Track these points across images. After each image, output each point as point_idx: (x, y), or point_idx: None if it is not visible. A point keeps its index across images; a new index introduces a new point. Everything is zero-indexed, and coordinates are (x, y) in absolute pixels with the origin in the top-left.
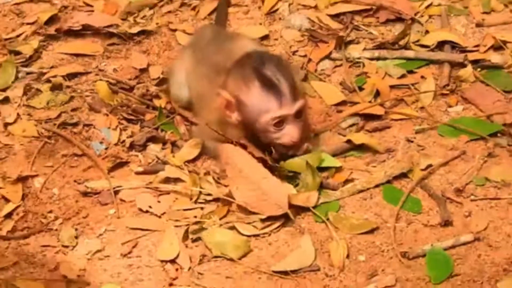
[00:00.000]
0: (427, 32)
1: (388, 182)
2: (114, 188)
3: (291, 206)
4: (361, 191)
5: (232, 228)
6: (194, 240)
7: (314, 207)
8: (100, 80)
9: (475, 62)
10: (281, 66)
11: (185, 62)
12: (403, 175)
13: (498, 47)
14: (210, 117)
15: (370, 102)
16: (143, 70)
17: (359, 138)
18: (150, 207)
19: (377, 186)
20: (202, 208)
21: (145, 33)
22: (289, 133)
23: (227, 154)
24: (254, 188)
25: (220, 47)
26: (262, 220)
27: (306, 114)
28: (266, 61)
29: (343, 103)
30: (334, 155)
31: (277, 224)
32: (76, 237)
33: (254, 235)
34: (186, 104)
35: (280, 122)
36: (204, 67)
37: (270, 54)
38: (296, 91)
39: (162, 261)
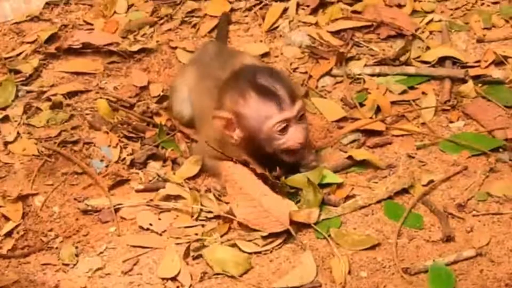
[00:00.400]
0: (428, 48)
1: (390, 198)
2: (114, 206)
3: (292, 222)
4: (363, 207)
5: (233, 245)
6: (195, 258)
7: (315, 224)
8: (101, 98)
9: (476, 78)
10: (274, 74)
11: (187, 78)
12: (405, 191)
13: (499, 62)
14: (211, 134)
15: (371, 118)
16: (144, 88)
17: (360, 154)
18: (150, 224)
19: (378, 202)
20: (203, 226)
21: (145, 51)
22: (294, 136)
23: (227, 171)
24: (255, 205)
25: (223, 63)
26: (263, 237)
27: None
28: (257, 72)
29: (344, 119)
30: (336, 171)
31: (279, 241)
32: (77, 255)
33: (255, 252)
34: (188, 121)
35: (283, 127)
36: (206, 83)
37: (260, 66)
38: (293, 94)
39: (163, 278)
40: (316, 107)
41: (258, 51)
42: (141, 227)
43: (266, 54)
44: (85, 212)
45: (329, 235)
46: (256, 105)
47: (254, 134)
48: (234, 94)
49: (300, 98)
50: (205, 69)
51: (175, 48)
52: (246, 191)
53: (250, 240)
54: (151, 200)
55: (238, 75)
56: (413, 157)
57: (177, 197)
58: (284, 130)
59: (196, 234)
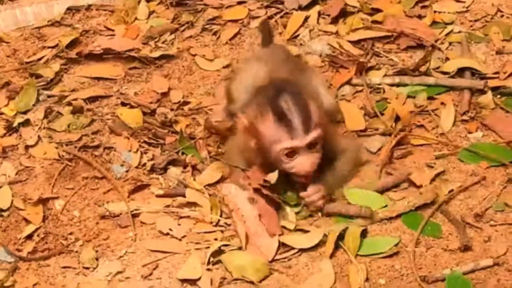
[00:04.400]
0: (447, 59)
1: (410, 211)
2: (132, 211)
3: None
4: (383, 219)
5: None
6: (214, 263)
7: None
8: (122, 103)
9: (495, 89)
10: (300, 98)
11: (256, 71)
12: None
13: None
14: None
15: (391, 127)
16: (164, 94)
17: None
18: (170, 229)
19: (399, 216)
20: (222, 231)
21: (166, 57)
22: (301, 164)
23: (224, 193)
24: (250, 229)
25: (292, 70)
26: (283, 244)
27: (333, 140)
28: (282, 91)
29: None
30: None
31: (298, 247)
32: (97, 259)
33: (275, 259)
34: (239, 108)
35: (291, 153)
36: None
37: (292, 83)
38: (311, 123)
39: (182, 283)
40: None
41: None
42: (160, 232)
43: None
44: (104, 216)
45: (347, 243)
46: (270, 125)
47: (266, 150)
48: (257, 106)
49: (319, 127)
50: (275, 70)
51: (195, 55)
52: (245, 217)
53: None
54: (168, 205)
55: (268, 88)
56: (432, 167)
57: (197, 204)
58: (292, 157)
59: (216, 240)
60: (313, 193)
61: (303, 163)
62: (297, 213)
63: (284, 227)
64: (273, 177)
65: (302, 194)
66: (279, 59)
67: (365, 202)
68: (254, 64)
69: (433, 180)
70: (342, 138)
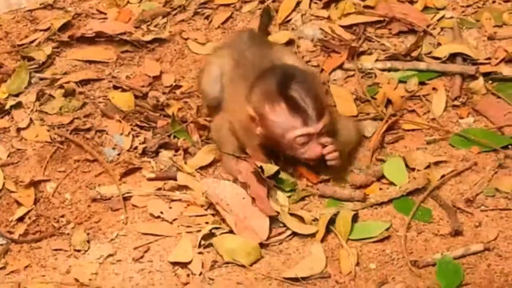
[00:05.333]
0: (439, 44)
1: (402, 196)
2: (124, 194)
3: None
4: (374, 204)
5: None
6: (205, 246)
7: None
8: (114, 86)
9: (486, 75)
10: (307, 83)
11: (222, 61)
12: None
13: (509, 60)
14: (236, 120)
15: (382, 112)
16: (156, 78)
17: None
18: (161, 213)
19: (390, 201)
20: (213, 215)
21: (158, 41)
22: (313, 150)
23: (204, 188)
24: (238, 215)
25: (262, 53)
26: (274, 228)
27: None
28: (291, 79)
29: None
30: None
31: (289, 231)
32: (88, 242)
33: (266, 242)
34: (212, 100)
35: (304, 141)
36: (242, 70)
37: (295, 69)
38: (321, 107)
39: (174, 266)
40: (331, 95)
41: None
42: (152, 215)
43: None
44: (96, 199)
45: (338, 227)
46: (283, 115)
47: (276, 137)
48: (264, 96)
49: (327, 111)
50: (242, 55)
51: (187, 39)
52: (231, 205)
53: None
54: (160, 189)
55: (273, 76)
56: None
57: (188, 187)
58: (304, 144)
59: (207, 223)
60: (332, 150)
61: (315, 149)
62: (289, 197)
63: (276, 211)
64: (270, 170)
65: (323, 151)
66: (242, 45)
67: None
68: (219, 55)
69: (428, 166)
70: (340, 116)
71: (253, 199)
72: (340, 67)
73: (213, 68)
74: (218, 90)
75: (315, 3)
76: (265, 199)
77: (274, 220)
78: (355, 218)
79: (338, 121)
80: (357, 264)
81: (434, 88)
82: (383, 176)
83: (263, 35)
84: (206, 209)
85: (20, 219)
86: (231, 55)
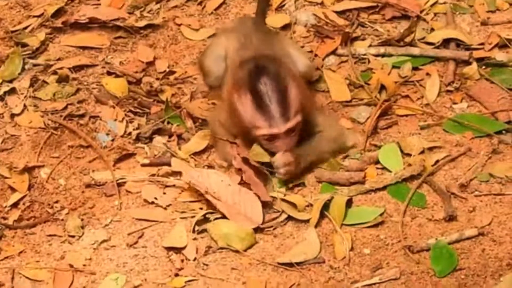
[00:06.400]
0: (432, 29)
1: (397, 182)
2: (118, 179)
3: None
4: (369, 190)
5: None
6: (199, 232)
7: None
8: (108, 72)
9: (480, 60)
10: (278, 80)
11: (228, 42)
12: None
13: (502, 45)
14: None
15: (376, 97)
16: (150, 64)
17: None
18: (155, 198)
19: (385, 187)
20: (207, 200)
21: (151, 27)
22: (280, 147)
23: (192, 177)
24: (231, 201)
25: (266, 39)
26: (269, 213)
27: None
28: (264, 75)
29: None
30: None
31: (284, 217)
32: (82, 227)
33: (260, 228)
34: (214, 79)
35: (270, 139)
36: (245, 54)
37: (270, 65)
38: (290, 109)
39: (168, 251)
40: (325, 80)
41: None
42: (146, 201)
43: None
44: (90, 185)
45: (333, 212)
46: (249, 110)
47: (244, 126)
48: (236, 87)
49: (299, 114)
50: (248, 40)
51: (181, 25)
52: (218, 193)
53: None
54: (154, 174)
55: (246, 67)
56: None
57: (182, 173)
58: (271, 140)
59: (201, 209)
60: (280, 160)
61: (282, 146)
62: (283, 183)
63: (271, 197)
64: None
65: (271, 159)
66: (247, 30)
67: None
68: (223, 37)
69: (422, 152)
70: (321, 115)
71: (247, 184)
72: (334, 52)
73: (218, 48)
74: (222, 69)
75: None
76: (261, 185)
77: (267, 205)
78: (349, 204)
79: (320, 122)
80: (351, 249)
81: (427, 74)
82: (377, 162)
83: (263, 22)
84: (200, 195)
85: (14, 205)
86: (237, 38)
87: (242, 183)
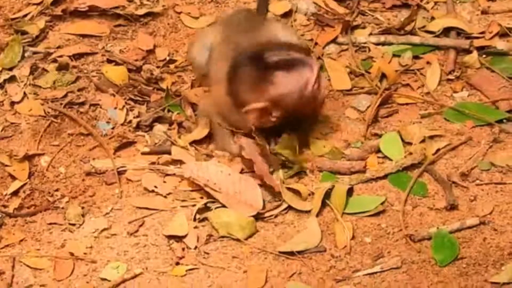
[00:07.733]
0: (433, 18)
1: (398, 171)
2: (118, 168)
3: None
4: (370, 179)
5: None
6: (200, 220)
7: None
8: (108, 60)
9: (480, 49)
10: (277, 45)
11: (214, 33)
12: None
13: (503, 34)
14: (219, 100)
15: (376, 86)
16: (150, 52)
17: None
18: (156, 187)
19: (386, 176)
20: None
21: (151, 15)
22: (323, 83)
23: (191, 172)
24: (230, 190)
25: (248, 31)
26: (269, 202)
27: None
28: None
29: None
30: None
31: (285, 205)
32: (83, 215)
33: (261, 216)
34: (197, 67)
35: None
36: (226, 47)
37: (253, 58)
38: (306, 48)
39: (169, 240)
40: (326, 69)
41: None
42: (146, 189)
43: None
44: (90, 173)
45: (333, 201)
46: (289, 79)
47: (294, 106)
48: (257, 83)
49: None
50: (230, 32)
51: (181, 12)
52: (218, 184)
53: None
54: (154, 163)
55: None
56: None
57: (182, 161)
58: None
59: (202, 197)
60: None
61: (324, 83)
62: (285, 172)
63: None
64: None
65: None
66: (238, 21)
67: None
68: (213, 28)
69: (423, 140)
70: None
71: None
72: (334, 41)
73: (205, 39)
74: (206, 58)
75: None
76: (270, 175)
77: (268, 194)
78: (350, 192)
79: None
80: (353, 238)
81: (428, 62)
82: (378, 151)
83: (261, 14)
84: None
85: (15, 193)
86: (222, 31)
87: (244, 172)
